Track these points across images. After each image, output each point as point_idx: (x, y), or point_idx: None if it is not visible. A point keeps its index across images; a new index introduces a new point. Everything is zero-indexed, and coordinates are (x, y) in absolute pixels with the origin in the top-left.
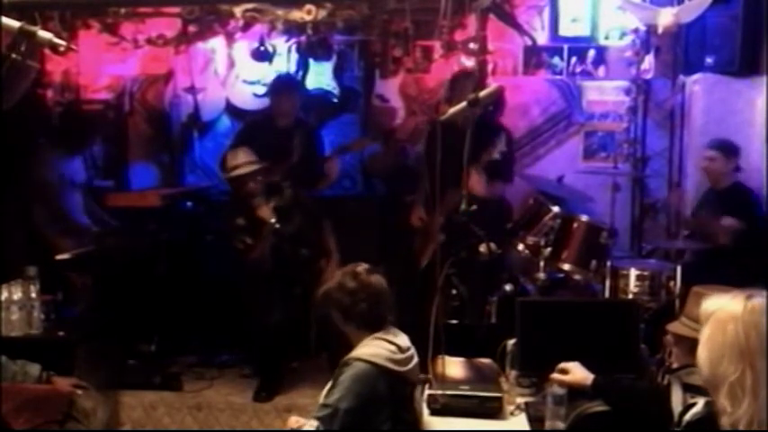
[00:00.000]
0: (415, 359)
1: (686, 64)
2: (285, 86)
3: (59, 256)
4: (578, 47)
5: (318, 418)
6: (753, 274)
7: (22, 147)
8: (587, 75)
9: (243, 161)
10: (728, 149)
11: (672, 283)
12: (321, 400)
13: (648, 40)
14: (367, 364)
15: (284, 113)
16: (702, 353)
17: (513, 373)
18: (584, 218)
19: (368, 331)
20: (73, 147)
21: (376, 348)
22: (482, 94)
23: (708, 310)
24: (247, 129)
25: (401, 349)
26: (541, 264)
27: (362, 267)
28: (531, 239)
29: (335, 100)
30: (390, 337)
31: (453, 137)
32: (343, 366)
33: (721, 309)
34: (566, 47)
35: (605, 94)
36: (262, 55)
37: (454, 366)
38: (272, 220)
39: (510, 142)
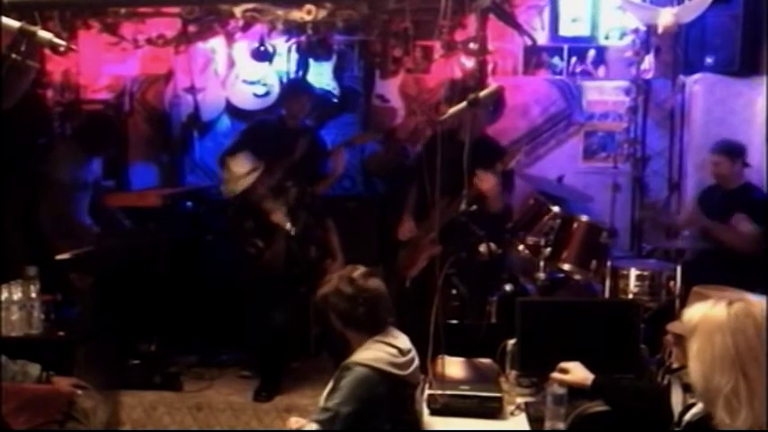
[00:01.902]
0: (416, 361)
1: (686, 64)
2: (297, 90)
3: (59, 256)
4: (578, 47)
5: (318, 422)
6: (753, 274)
7: (21, 147)
8: (587, 75)
9: (247, 169)
10: (732, 151)
11: (672, 283)
12: (321, 402)
13: (648, 40)
14: (368, 369)
15: (294, 115)
16: (694, 368)
17: (513, 373)
18: (584, 218)
19: (368, 334)
20: (93, 148)
21: (377, 352)
22: (482, 94)
23: (691, 322)
24: (252, 129)
25: (402, 352)
26: (541, 264)
27: (359, 272)
28: (531, 239)
29: (335, 100)
30: (391, 340)
31: (452, 148)
32: (343, 370)
33: (705, 320)
34: (566, 47)
35: (605, 94)
36: (262, 55)
37: (454, 366)
38: (288, 226)
39: (500, 147)
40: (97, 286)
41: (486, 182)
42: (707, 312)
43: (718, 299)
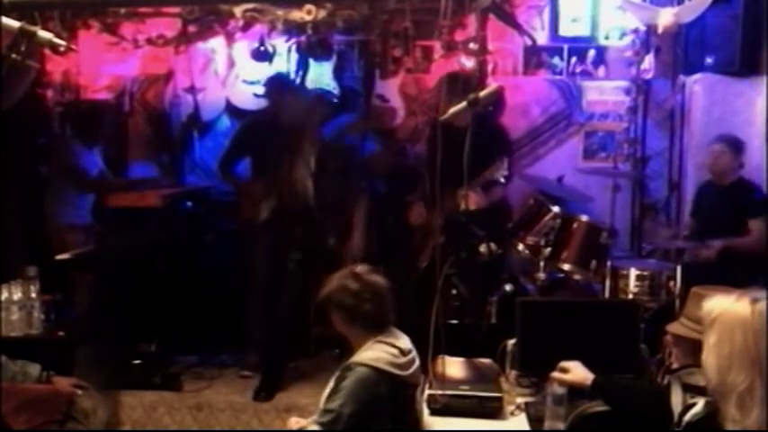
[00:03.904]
0: (417, 362)
1: (686, 64)
2: (281, 86)
3: (59, 256)
4: (578, 47)
5: (321, 424)
6: (753, 274)
7: (21, 147)
8: (587, 75)
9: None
10: (737, 144)
11: (672, 283)
12: (322, 403)
13: (648, 40)
14: (369, 369)
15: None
16: (709, 360)
17: (513, 373)
18: (584, 218)
19: (372, 332)
20: (88, 138)
21: (377, 352)
22: (482, 94)
23: (711, 314)
24: (247, 127)
25: (403, 352)
26: (541, 264)
27: (362, 268)
28: (531, 239)
29: (335, 100)
30: (392, 340)
31: (455, 140)
32: (344, 371)
33: (726, 313)
34: (566, 47)
35: (605, 94)
36: (262, 55)
37: (454, 366)
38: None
39: (509, 144)
40: (97, 286)
41: (474, 201)
42: (729, 307)
43: (740, 295)
